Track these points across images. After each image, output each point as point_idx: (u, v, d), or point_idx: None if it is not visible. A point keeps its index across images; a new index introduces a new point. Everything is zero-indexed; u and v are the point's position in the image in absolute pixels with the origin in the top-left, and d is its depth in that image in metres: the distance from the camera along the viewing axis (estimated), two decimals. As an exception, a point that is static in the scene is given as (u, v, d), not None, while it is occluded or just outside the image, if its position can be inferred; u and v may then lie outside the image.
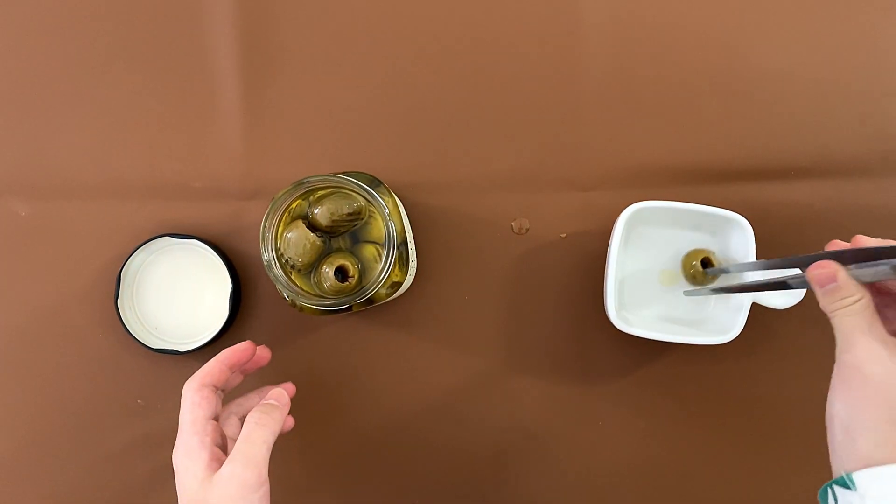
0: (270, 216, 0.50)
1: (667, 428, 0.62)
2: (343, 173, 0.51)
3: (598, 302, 0.61)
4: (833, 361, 0.40)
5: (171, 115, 0.63)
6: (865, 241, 0.41)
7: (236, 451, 0.45)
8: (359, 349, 0.62)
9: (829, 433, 0.38)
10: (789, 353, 0.61)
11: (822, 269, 0.40)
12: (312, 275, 0.52)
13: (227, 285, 0.60)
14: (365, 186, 0.50)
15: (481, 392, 0.61)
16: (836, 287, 0.39)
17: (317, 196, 0.51)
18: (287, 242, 0.50)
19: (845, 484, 0.35)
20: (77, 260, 0.63)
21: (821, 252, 0.42)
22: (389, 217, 0.50)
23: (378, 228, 0.52)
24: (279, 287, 0.50)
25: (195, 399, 0.47)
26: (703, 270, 0.58)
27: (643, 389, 0.62)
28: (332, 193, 0.51)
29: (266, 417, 0.47)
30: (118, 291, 0.61)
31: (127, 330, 0.61)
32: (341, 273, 0.51)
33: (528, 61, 0.62)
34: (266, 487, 0.45)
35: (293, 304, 0.52)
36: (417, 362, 0.63)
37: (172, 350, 0.60)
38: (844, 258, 0.41)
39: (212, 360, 0.50)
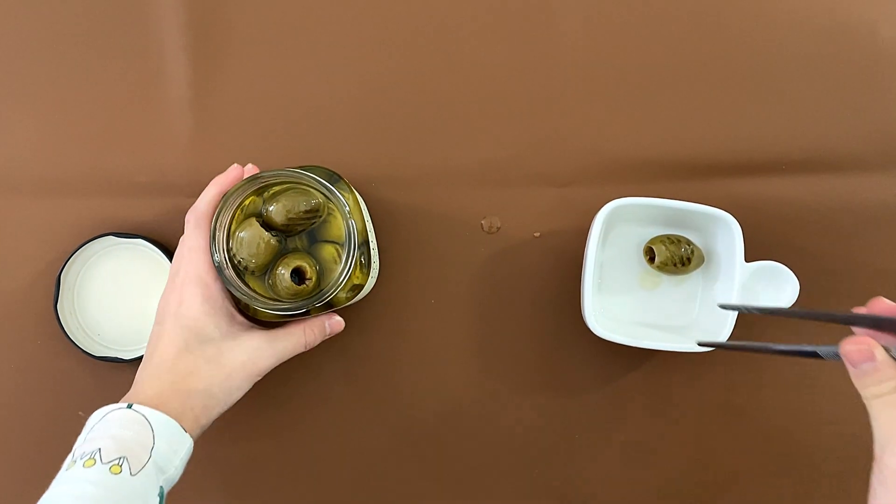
0: (222, 214, 0.48)
1: (648, 441, 0.61)
2: (300, 168, 0.49)
3: (575, 306, 0.60)
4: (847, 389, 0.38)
5: (114, 105, 0.61)
6: (889, 306, 0.38)
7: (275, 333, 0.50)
8: (315, 356, 0.59)
9: None
10: (777, 362, 0.60)
11: (856, 346, 0.37)
12: (267, 277, 0.50)
13: (174, 288, 0.58)
14: (323, 182, 0.48)
15: (448, 402, 0.59)
16: (873, 368, 0.36)
17: (271, 192, 0.50)
18: (240, 242, 0.48)
19: None
20: (13, 261, 0.61)
21: (857, 315, 0.39)
22: (350, 215, 0.49)
23: (338, 227, 0.50)
24: (231, 290, 0.48)
25: (205, 232, 0.49)
26: (654, 263, 0.57)
27: (623, 399, 0.60)
28: (287, 189, 0.50)
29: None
30: (57, 295, 0.59)
31: (67, 336, 0.59)
32: (298, 275, 0.49)
33: (499, 47, 0.61)
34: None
35: (246, 309, 0.51)
36: (378, 370, 0.61)
37: (116, 358, 0.59)
38: (884, 326, 0.38)
39: (208, 189, 0.50)
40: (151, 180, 0.61)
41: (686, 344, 0.55)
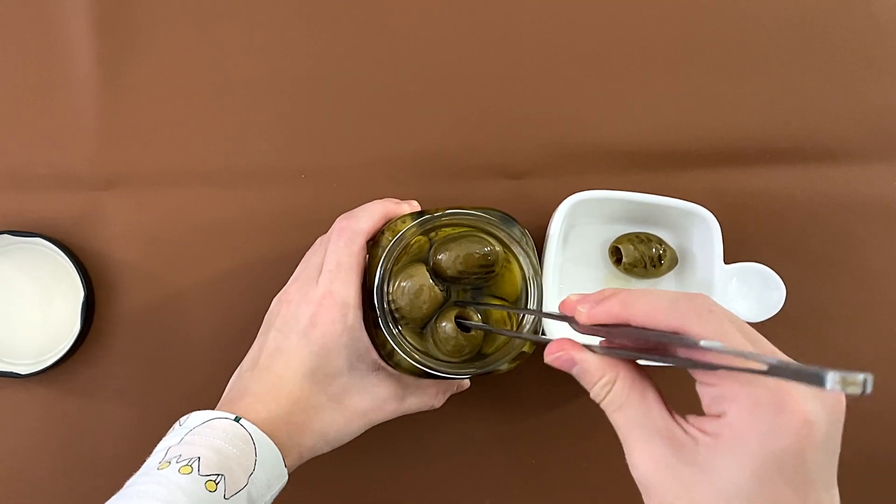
0: (393, 248, 0.46)
1: (617, 466, 0.54)
2: (476, 209, 0.48)
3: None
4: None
5: (11, 87, 0.58)
6: (590, 315, 0.36)
7: None
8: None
9: None
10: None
11: (553, 355, 0.36)
12: (426, 330, 0.48)
13: (78, 293, 0.56)
14: (504, 229, 0.47)
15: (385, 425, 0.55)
16: (581, 371, 0.35)
17: (440, 236, 0.48)
18: (401, 290, 0.46)
19: None
20: None
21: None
22: (534, 275, 0.47)
23: (511, 283, 0.48)
24: (388, 336, 0.46)
25: (359, 252, 0.47)
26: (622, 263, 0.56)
27: (588, 419, 0.56)
28: (460, 234, 0.47)
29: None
30: (-55, 301, 0.56)
31: (-46, 348, 0.57)
32: (462, 326, 0.47)
33: (445, 22, 0.58)
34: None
35: (389, 358, 0.47)
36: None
37: (12, 373, 0.56)
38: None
39: (374, 207, 0.49)
40: (53, 172, 0.57)
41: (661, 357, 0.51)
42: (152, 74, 0.58)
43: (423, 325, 0.47)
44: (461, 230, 0.48)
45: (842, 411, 0.31)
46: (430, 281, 0.46)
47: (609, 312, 0.34)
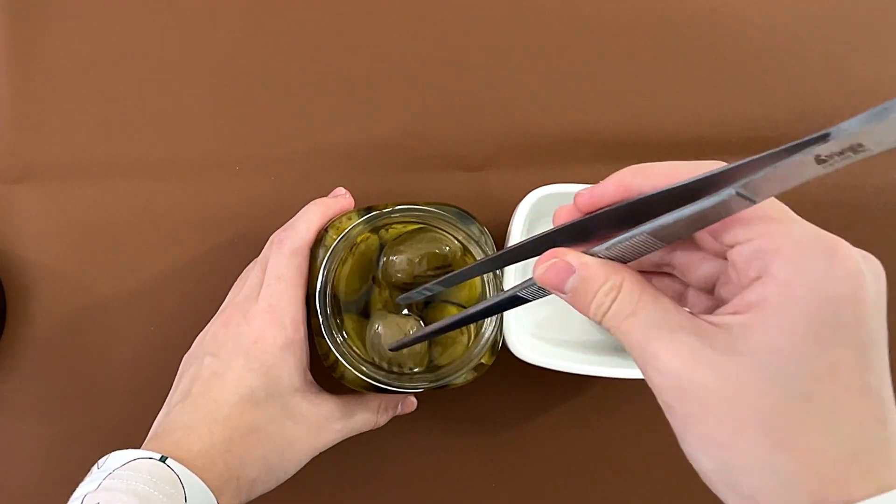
0: (335, 253, 0.45)
1: (584, 489, 0.57)
2: (427, 204, 0.46)
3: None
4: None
5: None
6: (593, 198, 0.32)
7: None
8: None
9: (720, 497, 0.29)
10: None
11: (547, 263, 0.31)
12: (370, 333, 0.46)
13: (-14, 298, 0.53)
14: (461, 227, 0.46)
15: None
16: (581, 280, 0.30)
17: (390, 233, 0.47)
18: (376, 338, 0.45)
19: None
20: None
21: (546, 232, 0.34)
22: (493, 280, 0.46)
23: (469, 287, 0.47)
24: (330, 343, 0.44)
25: (301, 263, 0.46)
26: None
27: (555, 437, 0.57)
28: (413, 232, 0.46)
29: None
30: None
31: None
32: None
33: (395, 4, 0.56)
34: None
35: (333, 370, 0.46)
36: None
37: None
38: (582, 232, 0.32)
39: (310, 213, 0.47)
40: (-42, 164, 0.55)
41: (633, 369, 0.51)
42: (69, 56, 0.56)
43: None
44: (413, 227, 0.47)
45: (883, 276, 0.28)
46: (404, 325, 0.45)
47: (620, 183, 0.31)
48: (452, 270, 0.46)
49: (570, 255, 0.31)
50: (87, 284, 0.54)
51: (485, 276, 0.46)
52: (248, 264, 0.49)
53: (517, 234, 0.51)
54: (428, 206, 0.46)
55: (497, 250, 0.48)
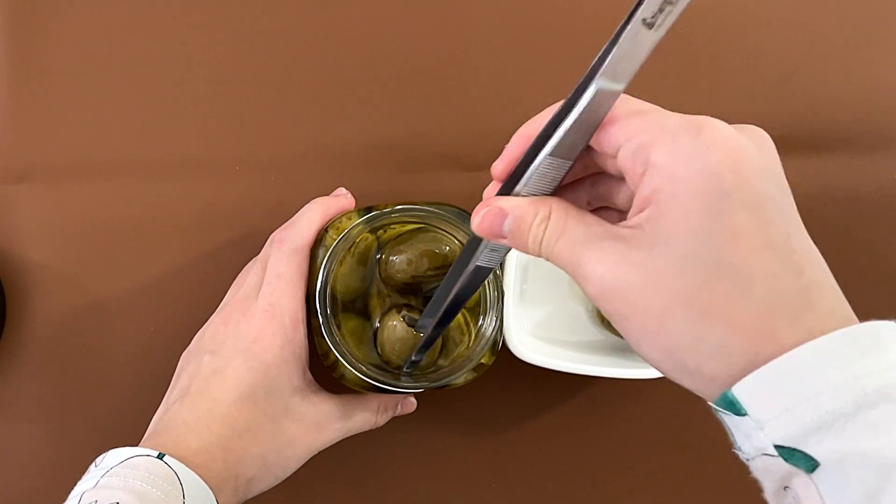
0: (336, 253, 0.45)
1: (584, 490, 0.57)
2: (426, 204, 0.46)
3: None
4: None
5: None
6: (506, 159, 0.34)
7: None
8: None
9: (680, 384, 0.30)
10: None
11: (479, 214, 0.33)
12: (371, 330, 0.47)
13: (-14, 298, 0.53)
14: (462, 228, 0.45)
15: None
16: (514, 220, 0.32)
17: (389, 233, 0.47)
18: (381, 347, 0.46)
19: (733, 407, 0.28)
20: None
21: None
22: (494, 280, 0.46)
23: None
24: (331, 343, 0.44)
25: (301, 262, 0.46)
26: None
27: (553, 437, 0.56)
28: (412, 234, 0.46)
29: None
30: None
31: None
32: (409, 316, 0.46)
33: (393, 3, 0.56)
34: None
35: (333, 370, 0.46)
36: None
37: None
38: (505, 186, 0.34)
39: (310, 212, 0.47)
40: (-45, 164, 0.55)
41: (633, 369, 0.51)
42: (69, 57, 0.56)
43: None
44: (412, 227, 0.46)
45: (769, 142, 0.30)
46: (409, 329, 0.45)
47: (521, 136, 0.33)
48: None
49: (500, 200, 0.32)
50: (87, 284, 0.53)
51: (492, 284, 0.46)
52: (247, 264, 0.49)
53: (517, 233, 0.50)
54: (428, 206, 0.46)
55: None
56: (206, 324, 0.47)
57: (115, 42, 0.56)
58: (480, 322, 0.46)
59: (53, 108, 0.56)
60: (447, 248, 0.46)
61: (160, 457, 0.39)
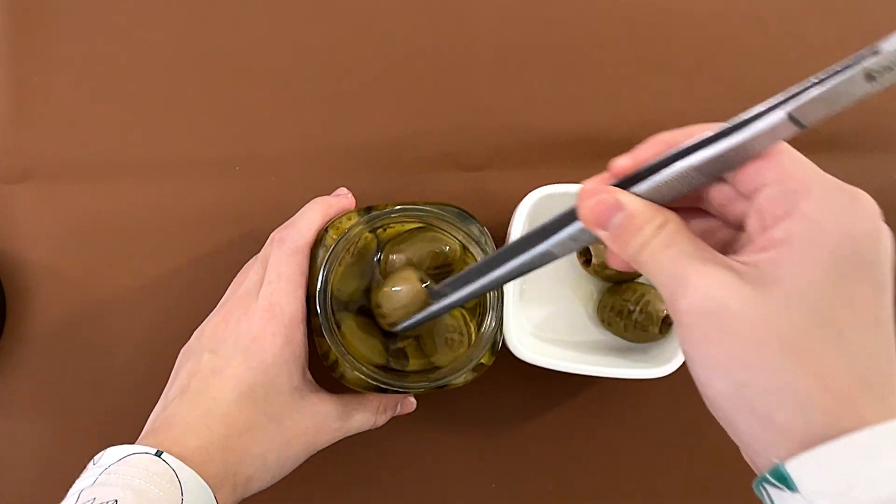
0: (331, 257, 0.44)
1: (584, 490, 0.56)
2: (427, 204, 0.46)
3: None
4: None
5: None
6: (635, 158, 0.33)
7: None
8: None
9: (729, 426, 0.30)
10: None
11: (593, 199, 0.32)
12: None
13: (-14, 298, 0.53)
14: (461, 227, 0.46)
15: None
16: (627, 217, 0.31)
17: (389, 232, 0.47)
18: (388, 296, 0.45)
19: (782, 479, 0.27)
20: None
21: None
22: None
23: None
24: (331, 343, 0.44)
25: (302, 261, 0.46)
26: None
27: (553, 437, 0.56)
28: (413, 234, 0.46)
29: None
30: None
31: None
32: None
33: (396, 3, 0.56)
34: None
35: (333, 369, 0.45)
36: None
37: None
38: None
39: (311, 212, 0.47)
40: (-45, 164, 0.55)
41: (634, 369, 0.51)
42: (69, 56, 0.56)
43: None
44: (412, 227, 0.46)
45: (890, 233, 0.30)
46: (420, 285, 0.45)
47: (659, 140, 0.32)
48: (452, 270, 0.46)
49: (619, 193, 0.31)
50: (86, 284, 0.53)
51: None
52: (247, 263, 0.49)
53: (517, 234, 0.50)
54: (428, 206, 0.46)
55: (496, 251, 0.49)
56: (205, 321, 0.46)
57: (115, 42, 0.55)
58: (480, 322, 0.46)
59: (53, 108, 0.55)
60: (447, 247, 0.45)
61: (158, 454, 0.39)
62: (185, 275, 0.53)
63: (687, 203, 0.33)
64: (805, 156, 0.56)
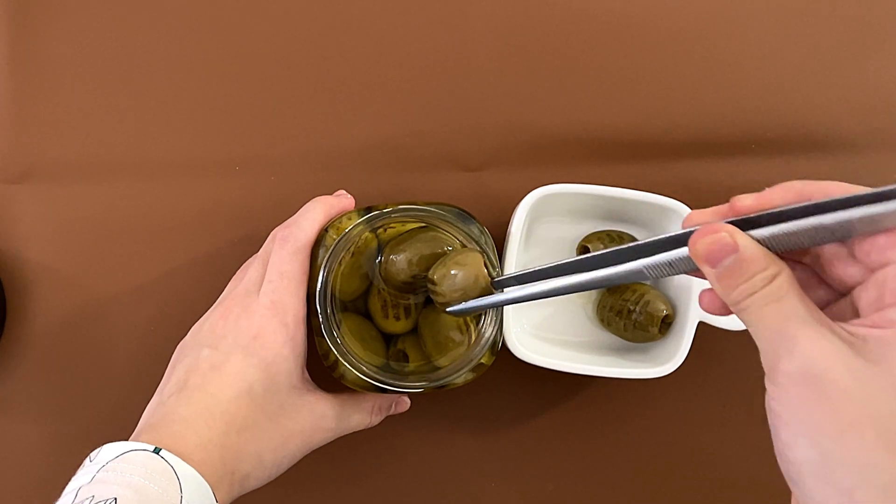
0: (331, 257, 0.44)
1: (584, 490, 0.56)
2: (427, 204, 0.46)
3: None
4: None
5: None
6: (761, 200, 0.32)
7: None
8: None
9: (798, 489, 0.30)
10: (745, 392, 0.57)
11: (712, 237, 0.31)
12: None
13: (-14, 298, 0.53)
14: (461, 227, 0.45)
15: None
16: (739, 261, 0.30)
17: (388, 232, 0.47)
18: (451, 278, 0.44)
19: None
20: None
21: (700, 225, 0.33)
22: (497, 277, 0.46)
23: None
24: (331, 342, 0.44)
25: (304, 260, 0.46)
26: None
27: (552, 438, 0.56)
28: (412, 234, 0.46)
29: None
30: None
31: None
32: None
33: (396, 3, 0.56)
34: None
35: (332, 369, 0.45)
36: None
37: None
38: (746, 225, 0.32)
39: (312, 210, 0.47)
40: (-44, 164, 0.55)
41: (633, 369, 0.51)
42: (69, 57, 0.55)
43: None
44: (412, 227, 0.46)
45: None
46: (485, 271, 0.44)
47: (790, 188, 0.31)
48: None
49: (738, 235, 0.30)
50: (86, 284, 0.53)
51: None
52: (247, 260, 0.49)
53: (517, 234, 0.50)
54: (428, 206, 0.45)
55: (496, 250, 0.49)
56: (203, 316, 0.46)
57: (115, 42, 0.55)
58: (480, 322, 0.46)
59: (53, 108, 0.55)
60: (447, 247, 0.45)
61: (157, 451, 0.39)
62: (184, 275, 0.53)
63: (791, 252, 0.33)
64: (804, 156, 0.55)
